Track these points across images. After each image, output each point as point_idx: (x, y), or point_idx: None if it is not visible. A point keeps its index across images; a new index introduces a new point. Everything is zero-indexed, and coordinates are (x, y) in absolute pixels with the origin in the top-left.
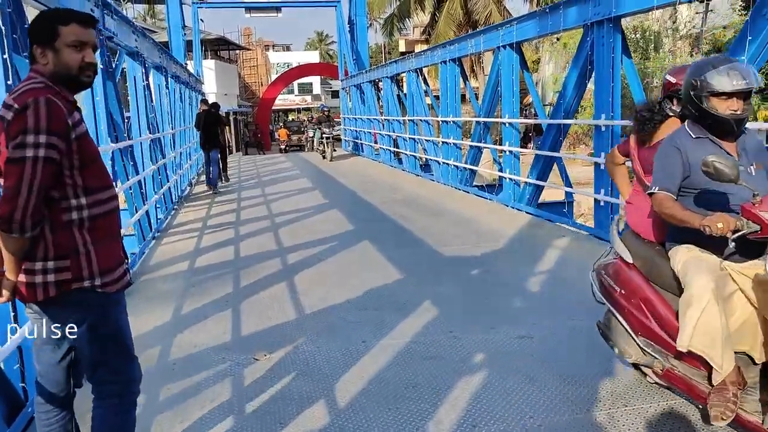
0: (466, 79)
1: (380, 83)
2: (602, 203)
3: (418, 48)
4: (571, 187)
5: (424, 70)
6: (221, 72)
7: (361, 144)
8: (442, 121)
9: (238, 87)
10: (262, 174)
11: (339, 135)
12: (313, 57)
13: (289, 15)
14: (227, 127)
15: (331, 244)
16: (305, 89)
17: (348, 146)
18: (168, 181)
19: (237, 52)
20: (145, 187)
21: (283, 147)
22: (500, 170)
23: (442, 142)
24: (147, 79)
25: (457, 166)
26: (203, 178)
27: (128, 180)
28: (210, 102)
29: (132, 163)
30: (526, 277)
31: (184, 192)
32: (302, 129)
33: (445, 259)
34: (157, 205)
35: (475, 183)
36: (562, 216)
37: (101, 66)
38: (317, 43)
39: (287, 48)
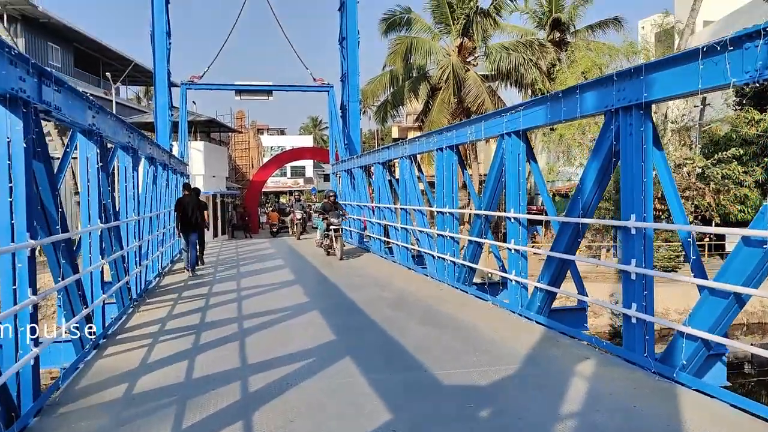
0: (465, 167)
1: (372, 169)
2: (634, 320)
3: (411, 135)
4: (585, 294)
5: (418, 156)
6: (210, 153)
7: (350, 231)
8: (437, 212)
9: (228, 169)
10: (242, 262)
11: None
12: (307, 141)
13: (283, 100)
14: (206, 212)
15: (305, 362)
16: (298, 172)
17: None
18: (126, 275)
19: (229, 134)
20: (92, 285)
21: (274, 230)
22: (502, 268)
23: (438, 235)
24: (102, 160)
25: (454, 263)
26: (177, 265)
27: (62, 279)
28: (192, 186)
29: (68, 259)
30: (550, 423)
31: (149, 284)
32: (288, 210)
33: (447, 390)
34: (108, 302)
35: (474, 279)
36: (578, 327)
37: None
38: (311, 128)
39: (282, 132)
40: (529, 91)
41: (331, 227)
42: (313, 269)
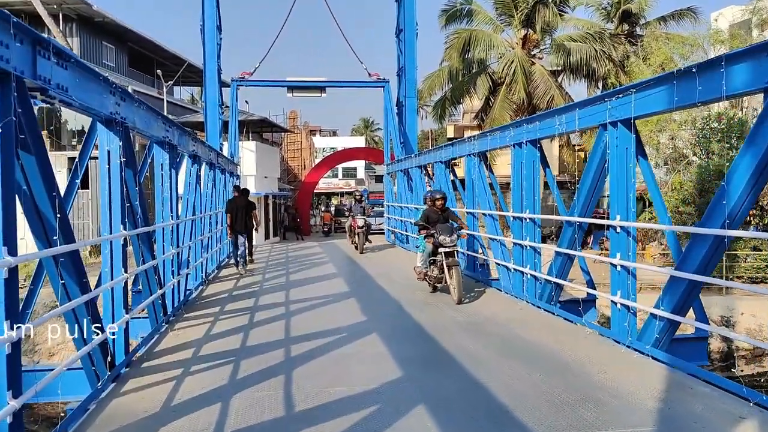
0: (547, 165)
1: (430, 169)
2: None
3: (468, 134)
4: (706, 320)
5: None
6: (262, 154)
7: (407, 236)
8: (514, 217)
9: (280, 170)
10: (292, 268)
11: (371, 224)
12: (359, 143)
13: (335, 101)
14: (255, 212)
15: (367, 412)
16: (349, 173)
17: (390, 237)
18: (159, 288)
19: (281, 134)
20: (113, 303)
21: (326, 230)
22: (590, 283)
23: (515, 244)
24: (127, 155)
25: (535, 278)
26: (224, 272)
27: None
28: (242, 188)
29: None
30: None
31: (190, 295)
32: (346, 213)
33: None
34: (138, 317)
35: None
36: (697, 361)
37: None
38: (363, 129)
39: (333, 133)
40: (599, 86)
41: (441, 249)
42: (368, 279)
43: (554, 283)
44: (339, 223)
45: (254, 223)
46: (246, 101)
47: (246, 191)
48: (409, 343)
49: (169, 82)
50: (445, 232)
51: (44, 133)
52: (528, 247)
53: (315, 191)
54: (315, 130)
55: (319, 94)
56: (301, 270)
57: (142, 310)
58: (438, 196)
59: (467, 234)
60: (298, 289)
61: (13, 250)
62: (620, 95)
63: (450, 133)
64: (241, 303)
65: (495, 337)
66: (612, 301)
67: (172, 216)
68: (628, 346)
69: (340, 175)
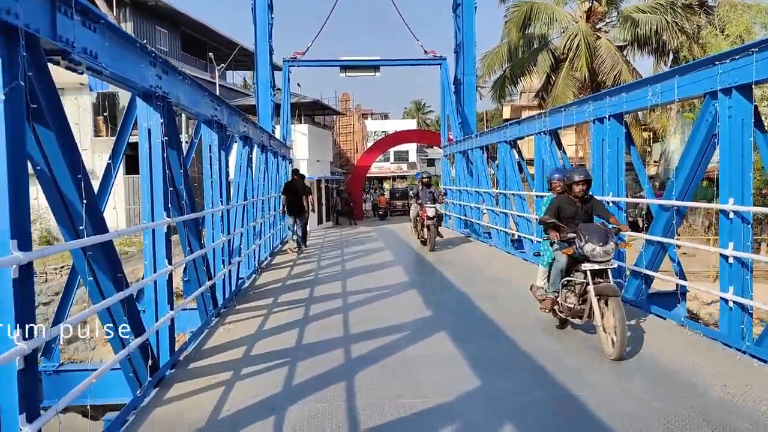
0: (632, 143)
1: (493, 150)
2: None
3: (528, 114)
4: None
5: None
6: (315, 137)
7: (471, 222)
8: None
9: (332, 153)
10: (347, 256)
11: (443, 215)
12: (411, 126)
13: (386, 83)
14: (311, 196)
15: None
16: (401, 157)
17: (461, 226)
18: (209, 279)
19: (333, 117)
20: (156, 299)
21: (381, 213)
22: (680, 274)
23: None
24: (169, 133)
25: (621, 270)
26: (277, 258)
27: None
28: (299, 172)
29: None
30: None
31: (242, 285)
32: (409, 195)
33: None
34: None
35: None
36: None
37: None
38: (414, 112)
39: (385, 116)
40: (669, 60)
41: (587, 265)
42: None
43: (643, 275)
44: (394, 207)
45: (309, 206)
46: (298, 84)
47: (302, 175)
48: (474, 338)
49: (222, 66)
50: (594, 237)
51: (100, 119)
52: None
53: (366, 175)
54: (366, 113)
55: (373, 74)
56: (357, 257)
57: (191, 302)
58: (578, 178)
59: (628, 238)
60: (355, 279)
61: (25, 244)
62: (736, 57)
63: (506, 114)
64: (296, 294)
65: (578, 335)
66: (722, 298)
67: (221, 201)
68: (744, 352)
69: (391, 159)
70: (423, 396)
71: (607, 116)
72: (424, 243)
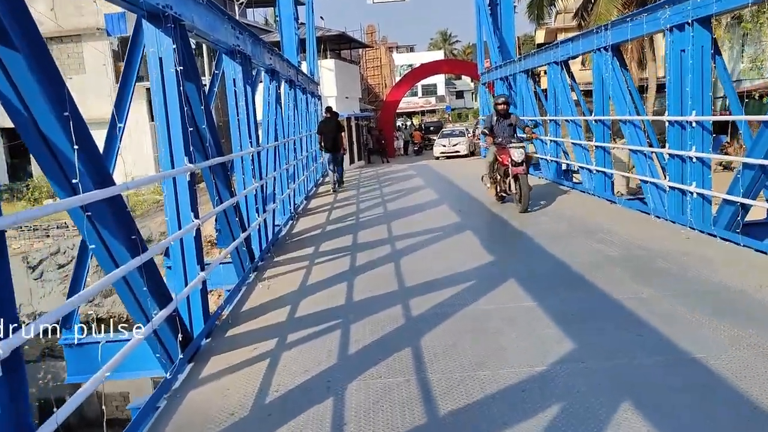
0: (719, 53)
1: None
2: None
3: (565, 37)
4: None
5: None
6: (342, 73)
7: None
8: (673, 122)
9: (360, 89)
10: (388, 197)
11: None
12: (438, 57)
13: (411, 13)
14: (343, 134)
15: None
16: (429, 91)
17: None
18: (243, 231)
19: (359, 52)
20: (185, 263)
21: (416, 149)
22: None
23: (670, 156)
24: (185, 62)
25: (703, 197)
26: (312, 202)
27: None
28: (333, 110)
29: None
30: None
31: (279, 233)
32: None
33: None
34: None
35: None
36: None
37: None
38: (441, 43)
39: (410, 49)
40: None
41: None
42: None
43: (739, 204)
44: (429, 141)
45: (343, 147)
46: (321, 17)
47: (335, 113)
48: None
49: (242, 1)
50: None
51: (121, 65)
52: (695, 160)
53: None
54: (392, 46)
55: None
56: (399, 198)
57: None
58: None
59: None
60: (401, 221)
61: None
62: None
63: (540, 39)
64: (338, 241)
65: (671, 279)
66: None
67: (251, 143)
68: None
69: (419, 93)
70: (507, 365)
71: (689, 21)
72: (501, 199)
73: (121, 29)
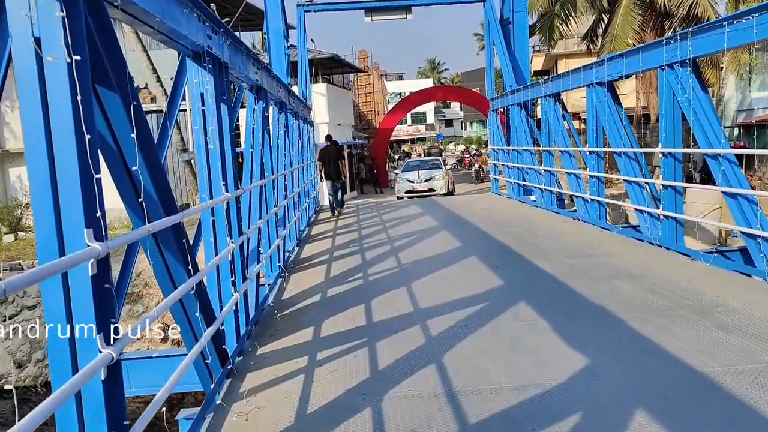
0: (706, 90)
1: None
2: None
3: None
4: None
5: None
6: (335, 98)
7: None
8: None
9: (353, 116)
10: (389, 225)
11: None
12: (427, 85)
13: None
14: (343, 161)
15: None
16: (418, 118)
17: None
18: (244, 279)
19: (350, 77)
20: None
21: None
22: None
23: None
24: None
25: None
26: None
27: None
28: (332, 138)
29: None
30: None
31: (288, 260)
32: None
33: None
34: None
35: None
36: None
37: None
38: (429, 72)
39: (400, 77)
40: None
41: None
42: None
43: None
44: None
45: (343, 172)
46: (312, 40)
47: (335, 141)
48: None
49: (227, 20)
50: None
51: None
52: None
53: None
54: (382, 74)
55: (404, 16)
56: (399, 224)
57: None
58: None
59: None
60: (406, 251)
61: (100, 233)
62: None
63: (537, 66)
64: (346, 262)
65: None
66: None
67: (225, 186)
68: None
69: (409, 121)
70: (524, 382)
71: (677, 62)
72: None
73: None
